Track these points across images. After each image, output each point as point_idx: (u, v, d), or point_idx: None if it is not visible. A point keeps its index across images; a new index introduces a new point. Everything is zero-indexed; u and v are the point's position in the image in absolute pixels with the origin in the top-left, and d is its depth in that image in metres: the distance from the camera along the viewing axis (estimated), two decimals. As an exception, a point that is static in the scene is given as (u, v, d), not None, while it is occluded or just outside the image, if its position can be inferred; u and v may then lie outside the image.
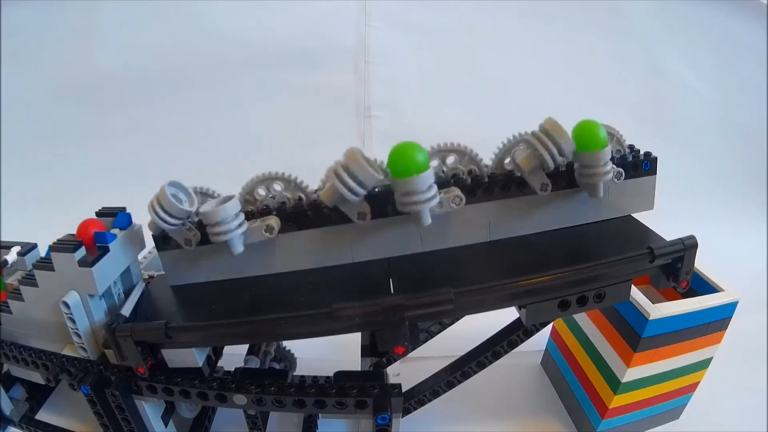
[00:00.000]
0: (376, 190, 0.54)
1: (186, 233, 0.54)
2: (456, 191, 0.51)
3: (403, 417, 0.58)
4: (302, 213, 0.54)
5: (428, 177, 0.47)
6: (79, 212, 0.59)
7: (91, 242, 0.54)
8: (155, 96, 1.26)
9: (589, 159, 0.51)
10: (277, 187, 0.55)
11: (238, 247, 0.52)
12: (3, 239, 0.70)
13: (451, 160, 0.55)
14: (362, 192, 0.48)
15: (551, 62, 1.28)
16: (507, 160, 0.56)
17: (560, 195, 0.57)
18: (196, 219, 0.54)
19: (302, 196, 0.55)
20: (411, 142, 0.47)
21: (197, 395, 0.55)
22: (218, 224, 0.50)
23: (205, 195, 0.57)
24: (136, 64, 1.24)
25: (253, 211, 0.55)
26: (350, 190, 0.47)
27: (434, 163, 0.54)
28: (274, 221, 0.53)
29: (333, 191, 0.48)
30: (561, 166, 0.54)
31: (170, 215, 0.50)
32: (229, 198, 0.52)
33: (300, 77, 1.26)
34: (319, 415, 0.62)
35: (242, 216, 0.51)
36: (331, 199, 0.50)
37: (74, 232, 0.55)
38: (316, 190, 0.55)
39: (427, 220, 0.49)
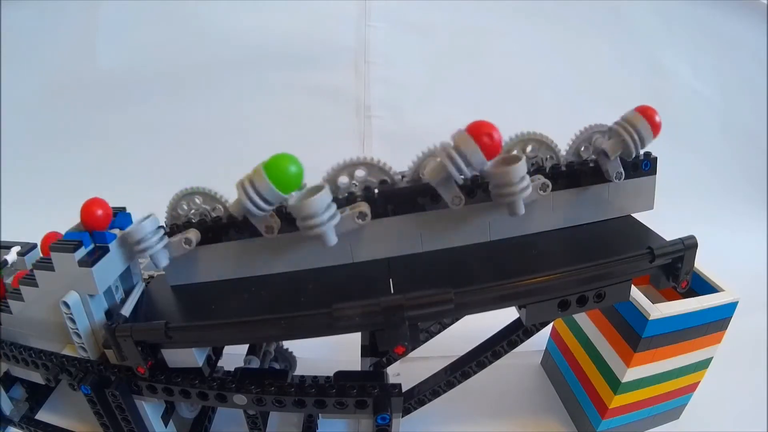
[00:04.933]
0: (376, 191, 0.54)
1: (269, 220, 0.53)
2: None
3: (403, 417, 0.58)
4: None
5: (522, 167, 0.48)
6: (79, 212, 0.59)
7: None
8: (155, 96, 1.26)
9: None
10: (361, 172, 0.54)
11: (333, 239, 0.50)
12: (3, 239, 0.70)
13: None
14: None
15: (551, 62, 1.28)
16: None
17: (560, 195, 0.57)
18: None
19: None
20: None
21: (197, 395, 0.55)
22: (312, 216, 0.47)
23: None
24: (137, 63, 1.24)
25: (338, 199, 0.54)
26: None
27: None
28: (365, 207, 0.52)
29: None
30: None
31: (264, 199, 0.47)
32: (319, 188, 0.49)
33: (300, 77, 1.26)
34: (319, 415, 0.62)
35: (334, 206, 0.50)
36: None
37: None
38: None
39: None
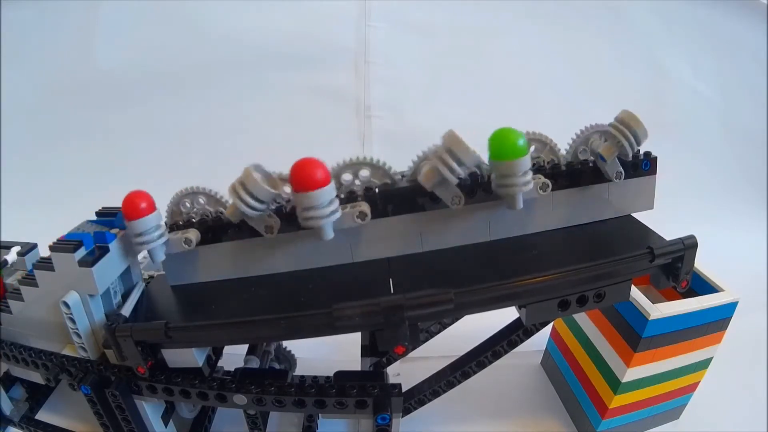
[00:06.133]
0: (376, 191, 0.54)
1: (267, 220, 0.53)
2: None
3: (403, 417, 0.58)
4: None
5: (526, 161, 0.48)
6: (79, 212, 0.59)
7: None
8: (155, 96, 1.26)
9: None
10: (365, 172, 0.55)
11: (330, 233, 0.50)
12: (3, 239, 0.70)
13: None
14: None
15: (552, 62, 1.29)
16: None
17: (560, 195, 0.57)
18: (274, 205, 0.54)
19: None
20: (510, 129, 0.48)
21: (197, 395, 0.55)
22: (315, 208, 0.47)
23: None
24: (136, 63, 1.24)
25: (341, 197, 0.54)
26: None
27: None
28: (366, 207, 0.52)
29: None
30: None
31: (256, 199, 0.48)
32: None
33: (300, 77, 1.26)
34: (319, 415, 0.62)
35: (336, 202, 0.50)
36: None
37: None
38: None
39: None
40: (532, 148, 0.56)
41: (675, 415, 0.71)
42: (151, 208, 0.52)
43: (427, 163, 0.50)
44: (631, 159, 0.57)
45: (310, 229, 0.51)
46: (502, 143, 0.48)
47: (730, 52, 1.32)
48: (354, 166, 0.54)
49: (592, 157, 0.57)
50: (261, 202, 0.48)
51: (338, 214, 0.49)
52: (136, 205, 0.51)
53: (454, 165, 0.46)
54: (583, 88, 1.28)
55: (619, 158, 0.56)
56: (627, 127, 0.51)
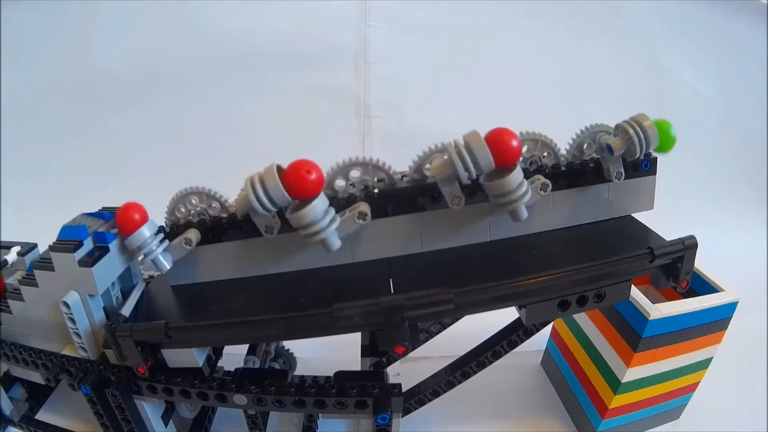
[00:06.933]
0: (375, 191, 0.54)
1: (270, 220, 0.53)
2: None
3: (403, 417, 0.58)
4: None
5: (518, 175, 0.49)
6: (79, 212, 0.59)
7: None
8: (155, 95, 1.26)
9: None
10: (356, 173, 0.54)
11: (336, 243, 0.50)
12: (3, 239, 0.70)
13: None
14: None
15: (552, 62, 1.28)
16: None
17: (560, 195, 0.57)
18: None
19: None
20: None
21: (197, 395, 0.55)
22: (311, 224, 0.48)
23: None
24: (136, 63, 1.24)
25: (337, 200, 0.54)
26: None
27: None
28: (365, 207, 0.52)
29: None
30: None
31: (271, 200, 0.47)
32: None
33: (300, 77, 1.26)
34: (319, 415, 0.62)
35: (332, 211, 0.50)
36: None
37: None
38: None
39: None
40: (525, 148, 0.56)
41: (675, 415, 0.71)
42: (144, 218, 0.53)
43: (441, 155, 0.50)
44: (632, 159, 0.57)
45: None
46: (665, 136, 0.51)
47: (730, 52, 1.31)
48: (342, 170, 0.53)
49: (596, 154, 0.57)
50: (274, 203, 0.47)
51: (337, 222, 0.49)
52: (129, 217, 0.52)
53: (470, 163, 0.46)
54: (583, 88, 1.28)
55: (552, 167, 0.56)
56: (641, 126, 0.51)
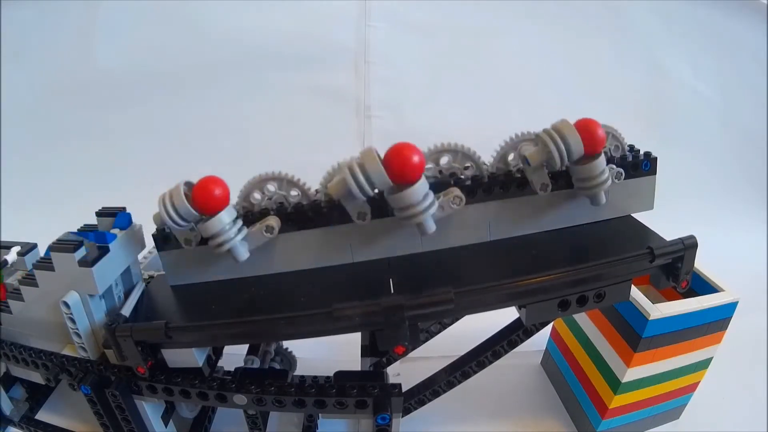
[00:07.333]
0: (375, 191, 0.54)
1: (187, 233, 0.54)
2: (456, 191, 0.51)
3: (403, 417, 0.58)
4: (302, 213, 0.54)
5: (422, 187, 0.47)
6: (79, 212, 0.59)
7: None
8: (155, 96, 1.26)
9: (584, 171, 0.51)
10: (271, 187, 0.55)
11: (243, 254, 0.52)
12: (3, 239, 0.70)
13: (444, 160, 0.55)
14: (370, 192, 0.47)
15: (552, 62, 1.28)
16: (511, 157, 0.56)
17: (560, 195, 0.57)
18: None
19: (299, 192, 0.55)
20: None
21: (197, 395, 0.55)
22: (217, 235, 0.49)
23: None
24: (136, 63, 1.24)
25: (253, 213, 0.55)
26: (360, 187, 0.46)
27: (429, 165, 0.54)
28: (273, 221, 0.53)
29: (342, 185, 0.47)
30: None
31: (180, 216, 0.48)
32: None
33: (300, 77, 1.26)
34: (319, 415, 0.62)
35: (240, 222, 0.51)
36: (339, 193, 0.48)
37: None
38: (316, 191, 0.55)
39: (432, 227, 0.49)
40: (444, 159, 0.55)
41: (675, 415, 0.71)
42: (226, 195, 0.49)
43: (338, 174, 0.49)
44: (631, 160, 0.57)
45: (310, 229, 0.51)
46: None
47: (730, 52, 1.32)
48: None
49: (521, 164, 0.55)
50: (372, 186, 0.46)
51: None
52: (210, 193, 0.48)
53: (363, 181, 0.45)
54: (583, 88, 1.28)
55: (620, 158, 0.56)
56: (561, 136, 0.48)
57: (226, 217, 0.49)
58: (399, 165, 0.45)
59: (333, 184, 0.48)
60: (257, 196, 0.55)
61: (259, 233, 0.52)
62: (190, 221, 0.50)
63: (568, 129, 0.48)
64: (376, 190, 0.50)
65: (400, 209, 0.48)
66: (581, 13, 1.26)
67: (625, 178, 0.56)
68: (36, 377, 0.65)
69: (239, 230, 0.51)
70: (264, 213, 0.54)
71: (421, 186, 0.47)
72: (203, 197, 0.48)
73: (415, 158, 0.45)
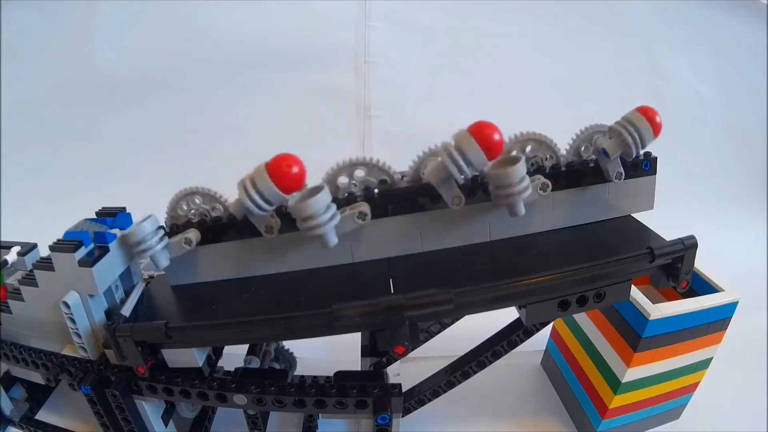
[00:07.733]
0: (376, 191, 0.54)
1: (269, 220, 0.53)
2: (541, 178, 0.52)
3: (403, 417, 0.58)
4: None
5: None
6: (79, 212, 0.59)
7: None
8: (155, 96, 1.26)
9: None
10: (360, 172, 0.54)
11: (333, 239, 0.50)
12: (3, 239, 0.70)
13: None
14: (469, 174, 0.47)
15: (551, 62, 1.28)
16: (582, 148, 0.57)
17: (560, 195, 0.57)
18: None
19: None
20: None
21: (197, 395, 0.55)
22: (312, 217, 0.47)
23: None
24: (137, 63, 1.24)
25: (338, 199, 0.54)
26: (459, 169, 0.46)
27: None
28: (365, 207, 0.52)
29: (441, 168, 0.48)
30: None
31: (265, 200, 0.46)
32: (319, 189, 0.48)
33: (300, 77, 1.26)
34: (319, 415, 0.62)
35: (334, 207, 0.49)
36: (437, 177, 0.50)
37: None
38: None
39: (522, 210, 0.50)
40: (529, 147, 0.56)
41: (675, 415, 0.71)
42: (303, 172, 0.47)
43: (434, 158, 0.50)
44: (632, 159, 0.57)
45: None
46: None
47: (730, 52, 1.31)
48: (348, 168, 0.53)
49: (594, 156, 0.57)
50: (269, 203, 0.47)
51: (337, 219, 0.49)
52: (284, 172, 0.46)
53: (463, 164, 0.46)
54: (583, 88, 1.28)
55: (620, 158, 0.57)
56: (634, 126, 0.51)
57: (323, 198, 0.47)
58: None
59: (431, 169, 0.49)
60: (344, 180, 0.54)
61: (351, 219, 0.51)
62: (275, 204, 0.48)
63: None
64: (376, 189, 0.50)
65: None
66: (581, 14, 1.26)
67: (625, 178, 0.56)
68: (36, 377, 0.65)
69: (333, 216, 0.49)
70: (351, 199, 0.53)
71: (522, 167, 0.48)
72: (283, 174, 0.45)
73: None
